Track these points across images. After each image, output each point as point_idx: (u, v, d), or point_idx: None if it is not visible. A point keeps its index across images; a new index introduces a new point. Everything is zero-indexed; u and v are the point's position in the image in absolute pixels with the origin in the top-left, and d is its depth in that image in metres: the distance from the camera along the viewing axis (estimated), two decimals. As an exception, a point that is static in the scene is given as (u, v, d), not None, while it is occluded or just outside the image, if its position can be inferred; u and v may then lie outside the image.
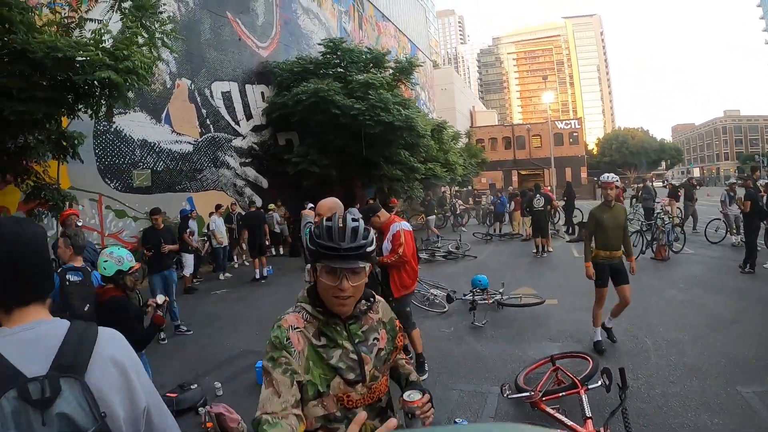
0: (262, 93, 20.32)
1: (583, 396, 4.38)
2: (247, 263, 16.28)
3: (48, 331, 1.38)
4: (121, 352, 1.44)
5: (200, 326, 9.15)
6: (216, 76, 17.83)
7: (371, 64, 21.60)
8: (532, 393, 4.76)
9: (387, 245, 6.11)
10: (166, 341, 8.33)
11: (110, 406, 1.33)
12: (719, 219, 16.12)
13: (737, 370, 5.85)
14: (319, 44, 21.92)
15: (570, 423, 4.11)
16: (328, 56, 20.94)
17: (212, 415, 4.81)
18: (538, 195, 15.63)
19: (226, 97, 18.29)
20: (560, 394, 4.80)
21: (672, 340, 7.00)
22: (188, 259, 12.47)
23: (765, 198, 11.98)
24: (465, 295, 9.04)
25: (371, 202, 16.61)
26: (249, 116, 19.45)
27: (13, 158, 9.32)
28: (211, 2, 17.69)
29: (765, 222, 11.76)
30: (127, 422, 1.38)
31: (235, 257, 16.48)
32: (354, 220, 1.94)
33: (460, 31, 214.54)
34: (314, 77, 19.08)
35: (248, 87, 19.52)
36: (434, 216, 23.15)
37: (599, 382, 4.24)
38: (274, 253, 17.42)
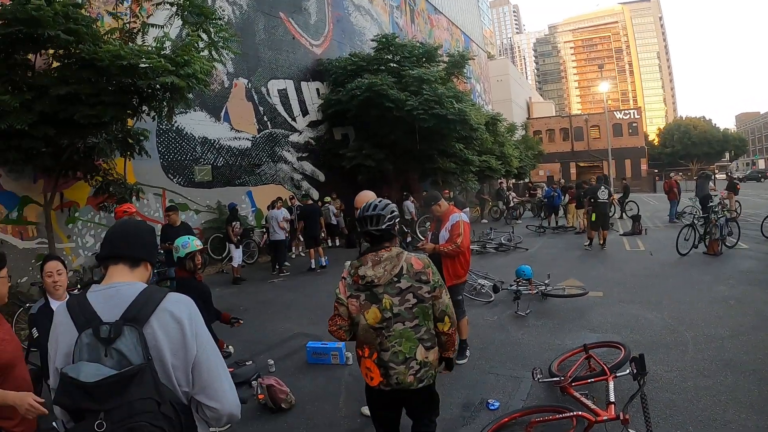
0: (317, 90, 20.77)
1: (610, 383, 4.52)
2: (303, 254, 16.77)
3: (126, 290, 1.90)
4: (181, 310, 1.90)
5: (257, 311, 9.73)
6: (272, 75, 18.33)
7: (424, 59, 21.77)
8: (562, 378, 5.01)
9: (444, 234, 6.16)
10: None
11: (160, 351, 1.81)
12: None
13: (777, 366, 5.79)
14: (372, 40, 22.31)
15: (593, 407, 4.30)
16: (381, 52, 21.29)
17: (263, 387, 5.28)
18: (602, 187, 15.31)
19: (282, 94, 18.80)
20: (588, 381, 5.00)
21: (712, 335, 6.95)
22: (235, 252, 13.12)
23: None
24: (511, 286, 9.20)
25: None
26: (305, 112, 19.92)
27: (83, 157, 10.03)
28: (264, 4, 18.21)
29: None
30: (177, 368, 1.85)
31: (293, 248, 17.04)
32: None
33: (515, 20, 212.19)
34: (368, 73, 19.39)
35: (303, 84, 19.97)
36: (468, 209, 22.99)
37: (627, 371, 4.32)
38: (330, 244, 17.90)
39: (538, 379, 5.08)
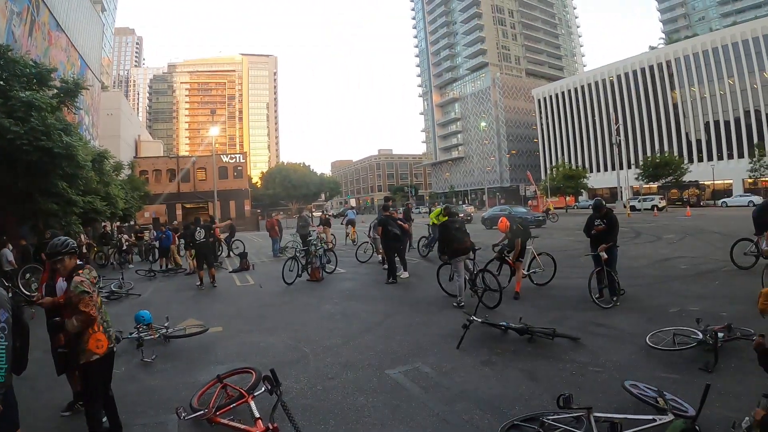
0: None
1: (251, 402, 5.13)
2: None
3: None
4: None
5: None
6: None
7: (35, 81, 18.88)
8: (206, 411, 5.38)
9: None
10: None
11: None
12: (367, 242, 19.60)
13: (385, 358, 7.44)
14: (-21, 51, 19.15)
15: (243, 426, 4.84)
16: (-12, 65, 18.07)
17: None
18: (198, 228, 16.09)
19: None
20: (231, 406, 5.45)
21: (328, 345, 8.41)
22: None
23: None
24: (131, 334, 9.11)
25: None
26: None
27: None
28: None
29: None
30: None
31: None
32: None
33: (136, 53, 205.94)
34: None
35: None
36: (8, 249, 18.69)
37: (263, 389, 4.96)
38: None
39: (184, 417, 5.37)
